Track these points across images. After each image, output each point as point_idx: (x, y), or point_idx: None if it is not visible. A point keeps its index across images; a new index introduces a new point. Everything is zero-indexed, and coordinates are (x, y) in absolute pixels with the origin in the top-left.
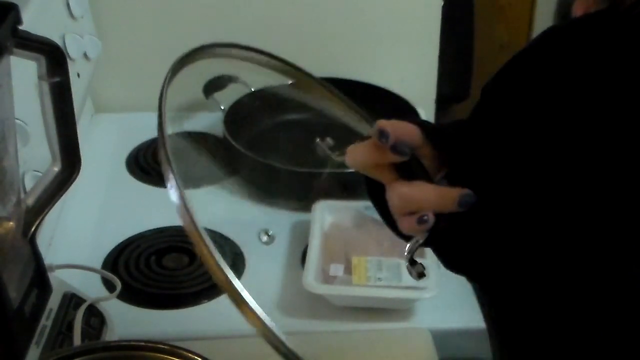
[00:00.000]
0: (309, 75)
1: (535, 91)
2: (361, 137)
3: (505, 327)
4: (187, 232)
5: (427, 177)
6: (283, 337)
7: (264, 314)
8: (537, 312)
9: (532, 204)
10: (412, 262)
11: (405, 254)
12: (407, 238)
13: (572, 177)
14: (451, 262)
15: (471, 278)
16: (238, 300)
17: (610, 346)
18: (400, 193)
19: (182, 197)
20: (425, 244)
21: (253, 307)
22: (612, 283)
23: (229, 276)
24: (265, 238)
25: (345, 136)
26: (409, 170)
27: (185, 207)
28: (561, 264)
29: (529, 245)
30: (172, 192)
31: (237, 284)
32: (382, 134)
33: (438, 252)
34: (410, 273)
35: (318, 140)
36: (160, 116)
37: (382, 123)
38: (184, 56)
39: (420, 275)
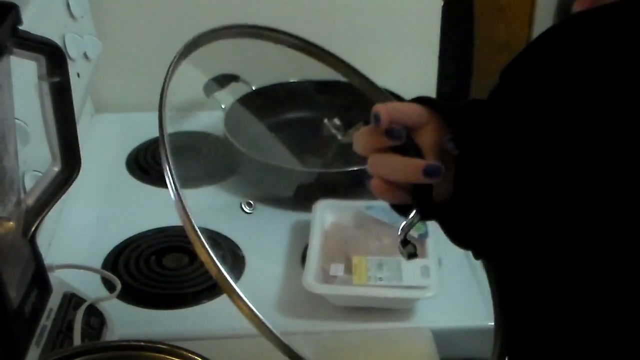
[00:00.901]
0: (325, 51)
1: (554, 77)
2: (364, 121)
3: (509, 300)
4: (186, 230)
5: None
6: (276, 331)
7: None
8: (540, 286)
9: (539, 185)
10: (404, 242)
11: (398, 233)
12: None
13: (583, 160)
14: (457, 237)
15: (477, 252)
16: (232, 294)
17: (609, 318)
18: (371, 161)
19: (178, 194)
20: (422, 218)
21: (244, 298)
22: (611, 262)
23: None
24: (247, 208)
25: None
26: (406, 153)
27: (181, 203)
28: (564, 240)
29: (533, 220)
30: (169, 188)
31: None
32: (375, 117)
33: (444, 226)
34: (402, 253)
35: (326, 120)
36: (160, 110)
37: (378, 107)
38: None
39: (411, 255)
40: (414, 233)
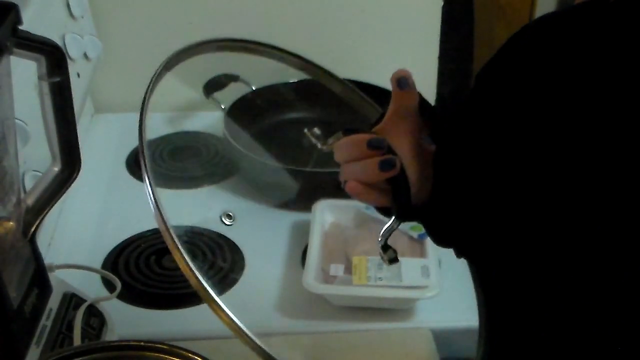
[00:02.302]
0: (307, 62)
1: (526, 77)
2: (343, 130)
3: (491, 298)
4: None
5: (402, 169)
6: (253, 335)
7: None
8: (522, 284)
9: (514, 182)
10: (384, 248)
11: (379, 239)
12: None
13: (557, 157)
14: (438, 235)
15: (458, 251)
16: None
17: (586, 317)
18: (342, 169)
19: (155, 199)
20: (401, 219)
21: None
22: (591, 262)
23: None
24: (227, 220)
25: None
26: None
27: (157, 208)
28: (543, 240)
29: (512, 219)
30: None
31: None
32: (402, 81)
33: (426, 226)
34: (382, 258)
35: (306, 130)
36: (141, 125)
37: (403, 71)
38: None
39: (392, 261)
40: (413, 234)
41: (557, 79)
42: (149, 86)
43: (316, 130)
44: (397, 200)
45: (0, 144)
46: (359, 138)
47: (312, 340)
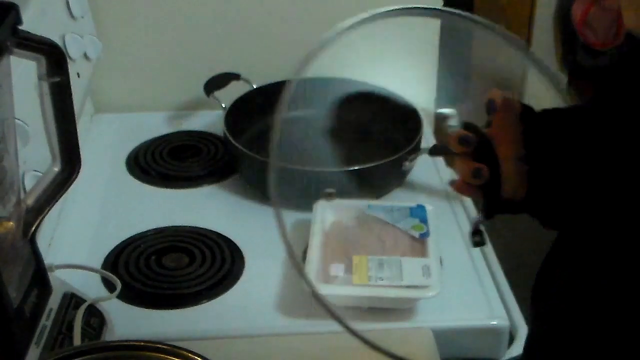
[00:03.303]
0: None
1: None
2: (466, 125)
3: (590, 278)
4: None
5: (495, 162)
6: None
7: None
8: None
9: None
10: (475, 232)
11: (472, 222)
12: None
13: None
14: (546, 220)
15: (543, 223)
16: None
17: None
18: (455, 164)
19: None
20: (487, 217)
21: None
22: None
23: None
24: (328, 198)
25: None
26: (481, 156)
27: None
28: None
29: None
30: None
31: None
32: (488, 107)
33: (534, 212)
34: (470, 241)
35: (439, 110)
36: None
37: (495, 93)
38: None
39: (477, 244)
40: (414, 234)
41: None
42: (308, 56)
43: (453, 112)
44: (486, 201)
45: (0, 143)
46: (457, 133)
47: (312, 340)
